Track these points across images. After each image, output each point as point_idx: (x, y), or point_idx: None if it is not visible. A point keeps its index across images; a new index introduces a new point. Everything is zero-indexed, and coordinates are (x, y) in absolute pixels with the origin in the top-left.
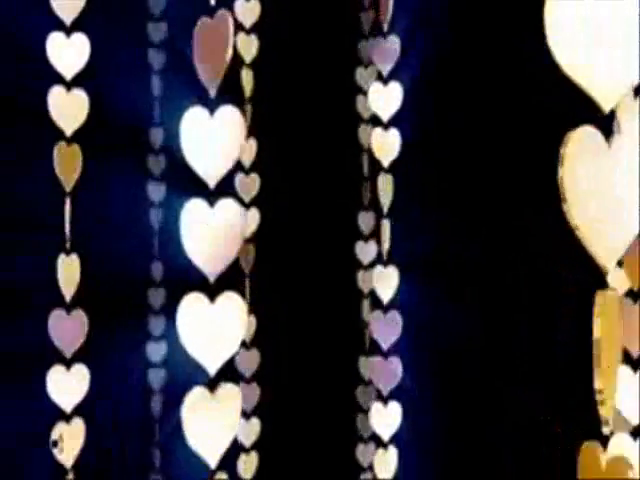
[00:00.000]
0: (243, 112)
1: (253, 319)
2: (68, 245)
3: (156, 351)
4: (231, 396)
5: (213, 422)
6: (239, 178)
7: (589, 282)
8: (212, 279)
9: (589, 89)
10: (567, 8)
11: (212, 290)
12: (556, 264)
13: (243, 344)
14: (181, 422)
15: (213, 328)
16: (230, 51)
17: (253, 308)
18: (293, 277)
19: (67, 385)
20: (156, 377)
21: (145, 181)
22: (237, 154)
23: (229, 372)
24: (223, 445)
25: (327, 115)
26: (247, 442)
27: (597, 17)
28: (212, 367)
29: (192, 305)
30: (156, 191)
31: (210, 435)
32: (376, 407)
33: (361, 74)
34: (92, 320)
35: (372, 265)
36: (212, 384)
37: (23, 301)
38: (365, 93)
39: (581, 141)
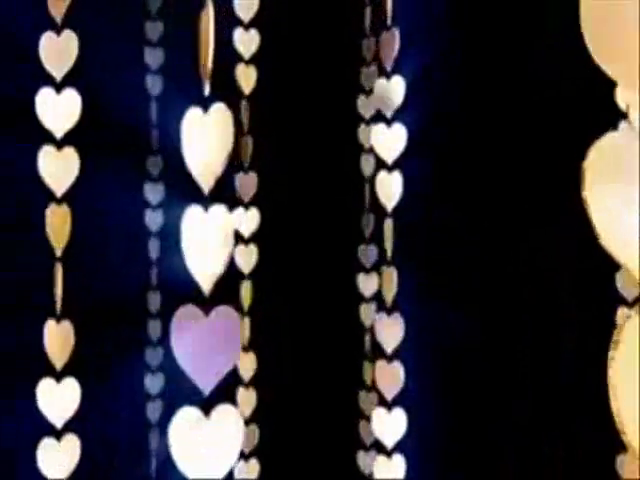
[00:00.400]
0: (237, 109)
1: (247, 321)
2: (58, 253)
3: (154, 357)
4: (229, 419)
5: (207, 449)
6: (239, 177)
7: (596, 286)
8: (207, 292)
9: (619, 79)
10: None
11: (207, 302)
12: (561, 261)
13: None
14: (169, 446)
15: (207, 345)
16: (211, 43)
17: (251, 311)
18: (294, 279)
19: (57, 399)
20: (154, 384)
21: (142, 182)
22: (228, 154)
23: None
24: (219, 474)
25: (329, 114)
26: (246, 449)
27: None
28: (207, 387)
29: (185, 319)
30: (154, 192)
31: (204, 463)
32: (379, 413)
33: (364, 73)
34: (85, 329)
35: (374, 267)
36: (206, 406)
37: (21, 305)
38: (367, 92)
39: (610, 147)
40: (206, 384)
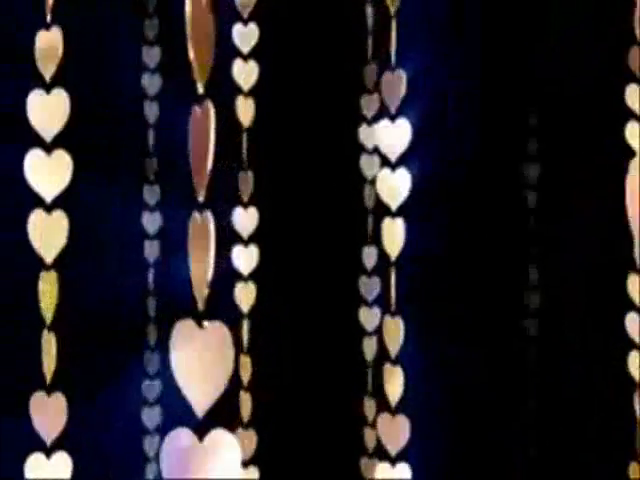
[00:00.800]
0: (233, 106)
1: (247, 324)
2: (49, 261)
3: (152, 363)
4: (225, 445)
5: (201, 475)
6: (236, 176)
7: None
8: (201, 305)
9: None
10: None
11: (202, 312)
12: (572, 264)
13: (240, 349)
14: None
15: (201, 363)
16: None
17: (251, 313)
18: (295, 281)
19: (48, 413)
20: (151, 390)
21: (140, 185)
22: (211, 155)
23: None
24: None
25: (330, 112)
26: (244, 456)
27: None
28: (201, 409)
29: (182, 333)
30: (150, 194)
31: None
32: (383, 418)
33: (367, 71)
34: (81, 338)
35: (376, 270)
36: (201, 430)
37: (18, 311)
38: (369, 91)
39: None
40: (200, 406)
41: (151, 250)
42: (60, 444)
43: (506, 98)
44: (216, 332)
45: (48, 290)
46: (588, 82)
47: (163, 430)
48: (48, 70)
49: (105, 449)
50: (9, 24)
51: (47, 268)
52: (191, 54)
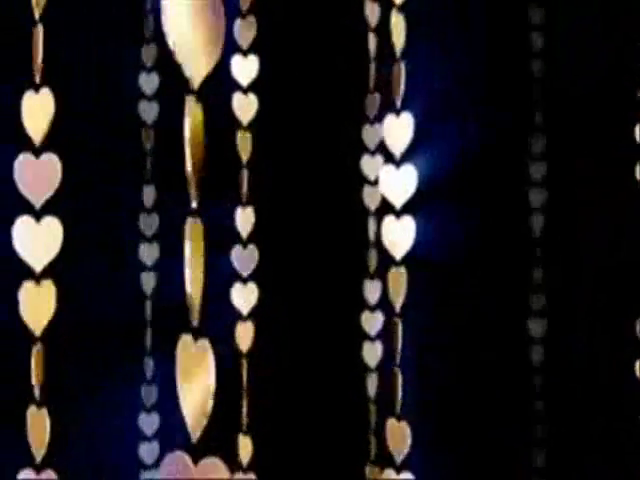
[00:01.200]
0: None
1: (250, 325)
2: (38, 272)
3: (148, 368)
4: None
5: None
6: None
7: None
8: (195, 317)
9: None
10: None
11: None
12: (584, 271)
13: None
14: None
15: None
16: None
17: (251, 314)
18: (295, 281)
19: (36, 426)
20: (149, 396)
21: (137, 185)
22: (190, 156)
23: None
24: None
25: (332, 113)
26: (244, 460)
27: None
28: (197, 430)
29: (179, 348)
30: (148, 195)
31: None
32: (389, 424)
33: (369, 70)
34: (78, 344)
35: (378, 273)
36: (195, 453)
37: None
38: (372, 91)
39: None
40: (196, 426)
41: (149, 253)
42: (50, 459)
43: (511, 96)
44: (202, 350)
45: (39, 301)
46: (597, 81)
47: (160, 436)
48: (36, 70)
49: (101, 455)
50: (8, 23)
51: (36, 278)
52: (177, 52)
